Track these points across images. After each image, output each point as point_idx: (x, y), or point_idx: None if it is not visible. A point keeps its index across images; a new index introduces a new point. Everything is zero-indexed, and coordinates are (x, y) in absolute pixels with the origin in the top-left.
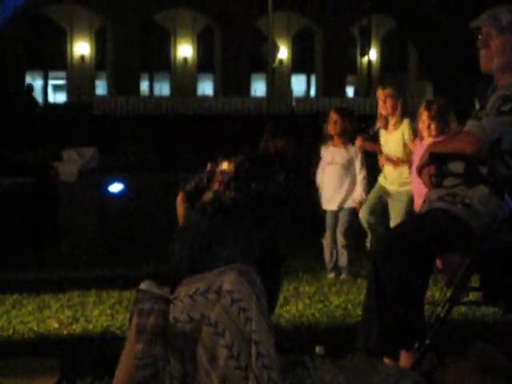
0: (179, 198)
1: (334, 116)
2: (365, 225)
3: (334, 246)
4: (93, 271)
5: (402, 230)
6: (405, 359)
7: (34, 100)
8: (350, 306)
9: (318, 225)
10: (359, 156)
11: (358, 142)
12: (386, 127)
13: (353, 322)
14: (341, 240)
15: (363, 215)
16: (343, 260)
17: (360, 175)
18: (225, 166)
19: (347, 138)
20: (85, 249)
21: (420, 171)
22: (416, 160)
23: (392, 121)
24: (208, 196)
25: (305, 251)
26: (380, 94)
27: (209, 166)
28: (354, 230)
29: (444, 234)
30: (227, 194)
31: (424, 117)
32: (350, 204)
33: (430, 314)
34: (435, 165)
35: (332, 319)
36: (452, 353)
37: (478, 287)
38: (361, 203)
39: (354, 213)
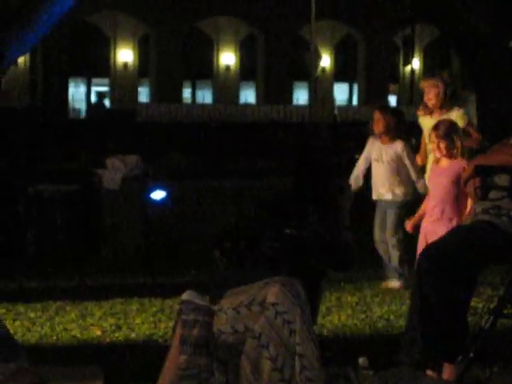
0: (217, 255)
1: (376, 114)
2: None
3: (386, 246)
4: (135, 279)
5: (446, 243)
6: (448, 372)
7: (103, 107)
8: (392, 317)
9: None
10: (406, 151)
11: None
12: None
13: (396, 333)
14: (391, 240)
15: None
16: (393, 261)
17: (413, 168)
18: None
19: (392, 135)
20: (127, 256)
21: (465, 184)
22: (430, 183)
23: (437, 110)
24: (244, 244)
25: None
26: (424, 84)
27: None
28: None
29: (488, 247)
30: (264, 243)
31: (433, 137)
32: (398, 198)
33: (473, 326)
34: (480, 177)
35: (375, 330)
36: (496, 365)
37: None
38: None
39: (403, 207)
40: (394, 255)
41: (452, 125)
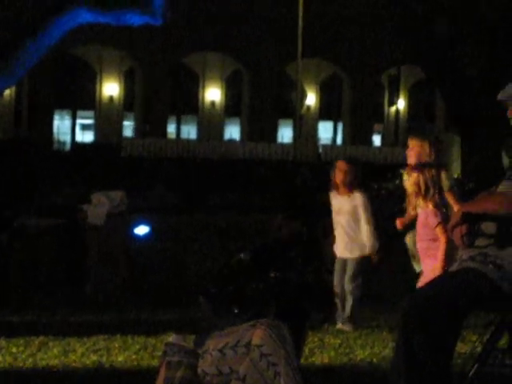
0: (201, 301)
1: (343, 165)
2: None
3: (342, 294)
4: (118, 315)
5: (431, 289)
6: None
7: None
8: (375, 360)
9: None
10: (363, 203)
11: (399, 224)
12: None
13: (379, 376)
14: (347, 287)
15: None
16: (348, 308)
17: (367, 225)
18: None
19: (353, 187)
20: (110, 292)
21: (452, 230)
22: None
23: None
24: (229, 288)
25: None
26: (409, 141)
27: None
28: (362, 280)
29: (474, 294)
30: (249, 286)
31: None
32: (356, 253)
33: (458, 373)
34: (467, 224)
35: (358, 373)
36: None
37: (508, 348)
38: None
39: (361, 262)
40: (349, 303)
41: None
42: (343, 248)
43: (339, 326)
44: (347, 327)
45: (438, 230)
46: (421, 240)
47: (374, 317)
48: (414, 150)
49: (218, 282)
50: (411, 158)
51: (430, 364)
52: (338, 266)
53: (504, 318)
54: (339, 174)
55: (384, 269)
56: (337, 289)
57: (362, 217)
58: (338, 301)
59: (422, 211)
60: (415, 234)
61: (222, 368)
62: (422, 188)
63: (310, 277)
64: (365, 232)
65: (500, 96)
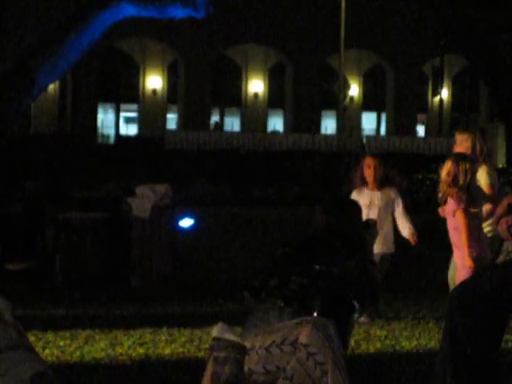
0: (245, 295)
1: (372, 161)
2: None
3: None
4: (164, 308)
5: (478, 280)
6: None
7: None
8: (421, 352)
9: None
10: (397, 196)
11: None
12: None
13: (425, 368)
14: None
15: None
16: None
17: (405, 215)
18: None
19: (383, 182)
20: (156, 285)
21: (497, 221)
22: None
23: None
24: (274, 282)
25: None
26: (456, 136)
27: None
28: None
29: None
30: (293, 279)
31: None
32: (383, 249)
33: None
34: None
35: (404, 365)
36: None
37: None
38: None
39: (385, 258)
40: None
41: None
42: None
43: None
44: (363, 319)
45: (458, 216)
46: (449, 230)
47: (420, 308)
48: (462, 145)
49: (261, 276)
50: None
51: (477, 355)
52: None
53: None
54: (369, 170)
55: (426, 261)
56: None
57: (399, 209)
58: None
59: (449, 200)
60: None
61: (269, 366)
62: (451, 178)
63: (354, 269)
64: (405, 223)
65: None
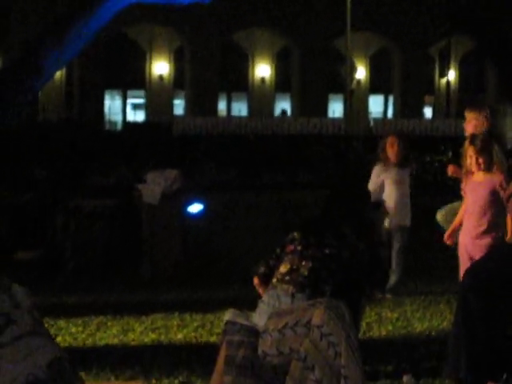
0: (255, 282)
1: (395, 140)
2: None
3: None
4: (175, 294)
5: (490, 260)
6: None
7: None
8: (433, 333)
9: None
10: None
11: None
12: None
13: (437, 349)
14: (396, 258)
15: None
16: (393, 278)
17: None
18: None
19: (404, 160)
20: (167, 271)
21: (508, 200)
22: (468, 197)
23: None
24: (285, 267)
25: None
26: (466, 114)
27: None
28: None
29: None
30: (304, 264)
31: (470, 152)
32: (407, 222)
33: None
34: None
35: (417, 346)
36: None
37: None
38: None
39: (408, 232)
40: (397, 274)
41: (489, 138)
42: (393, 218)
43: (380, 295)
44: (389, 295)
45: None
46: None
47: (431, 290)
48: (472, 123)
49: (271, 262)
50: (469, 131)
51: (490, 335)
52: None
53: None
54: (391, 148)
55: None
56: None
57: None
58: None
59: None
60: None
61: (282, 348)
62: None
63: (364, 253)
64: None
65: None
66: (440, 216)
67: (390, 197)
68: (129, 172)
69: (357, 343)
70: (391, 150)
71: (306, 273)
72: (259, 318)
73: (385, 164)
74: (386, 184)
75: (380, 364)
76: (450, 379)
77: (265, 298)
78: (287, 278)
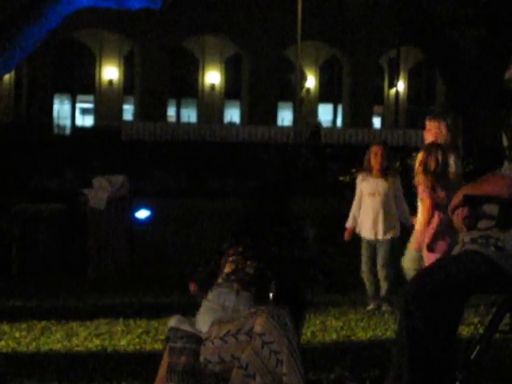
0: (191, 288)
1: (379, 149)
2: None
3: (373, 278)
4: (120, 299)
5: (433, 272)
6: None
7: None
8: (377, 343)
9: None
10: (399, 185)
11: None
12: None
13: (380, 358)
14: (381, 272)
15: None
16: (383, 291)
17: (405, 204)
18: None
19: (387, 170)
20: (112, 276)
21: (452, 212)
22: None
23: None
24: (230, 268)
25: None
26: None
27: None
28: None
29: (476, 277)
30: (249, 263)
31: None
32: (389, 235)
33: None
34: (469, 207)
35: (360, 356)
36: None
37: (510, 329)
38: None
39: (393, 243)
40: (385, 286)
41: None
42: (375, 230)
43: (371, 307)
44: (385, 307)
45: (422, 203)
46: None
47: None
48: (432, 132)
49: (209, 268)
50: (428, 139)
51: (433, 347)
52: (367, 251)
53: (506, 300)
54: (375, 157)
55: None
56: (366, 274)
57: (399, 197)
58: (367, 284)
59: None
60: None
61: (224, 356)
62: (423, 167)
63: (304, 253)
64: (405, 210)
65: (508, 75)
66: (407, 263)
67: (366, 208)
68: (76, 177)
69: (299, 351)
70: (374, 159)
71: (251, 271)
72: (203, 317)
73: (367, 173)
74: (363, 195)
75: (323, 372)
76: None
77: (209, 295)
78: (232, 277)
